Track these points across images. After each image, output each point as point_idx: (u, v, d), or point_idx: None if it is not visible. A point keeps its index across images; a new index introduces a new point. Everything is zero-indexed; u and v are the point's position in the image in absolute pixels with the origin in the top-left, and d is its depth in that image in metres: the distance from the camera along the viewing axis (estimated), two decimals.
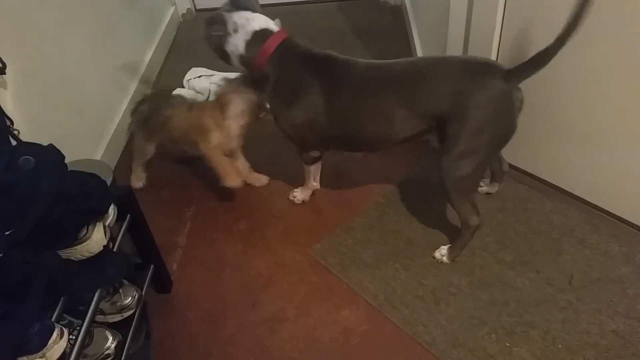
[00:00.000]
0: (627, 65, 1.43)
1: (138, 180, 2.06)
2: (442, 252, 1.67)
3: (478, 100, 1.35)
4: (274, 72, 1.59)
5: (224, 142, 1.82)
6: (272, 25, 1.62)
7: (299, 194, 1.94)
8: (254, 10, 1.64)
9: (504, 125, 1.40)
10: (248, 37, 1.58)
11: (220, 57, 1.70)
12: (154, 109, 1.93)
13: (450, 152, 1.42)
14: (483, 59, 1.44)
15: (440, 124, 1.43)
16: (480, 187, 1.83)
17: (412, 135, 1.51)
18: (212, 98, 2.04)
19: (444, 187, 1.50)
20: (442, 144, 1.45)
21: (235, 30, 1.59)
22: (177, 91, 2.52)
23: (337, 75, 1.53)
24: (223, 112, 1.80)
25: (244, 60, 1.63)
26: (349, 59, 1.56)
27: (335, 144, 1.68)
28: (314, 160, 1.79)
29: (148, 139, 1.96)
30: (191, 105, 1.91)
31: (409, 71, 1.47)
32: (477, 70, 1.39)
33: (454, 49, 1.84)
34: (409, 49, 2.72)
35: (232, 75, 2.49)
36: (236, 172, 1.86)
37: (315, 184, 1.90)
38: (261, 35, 1.58)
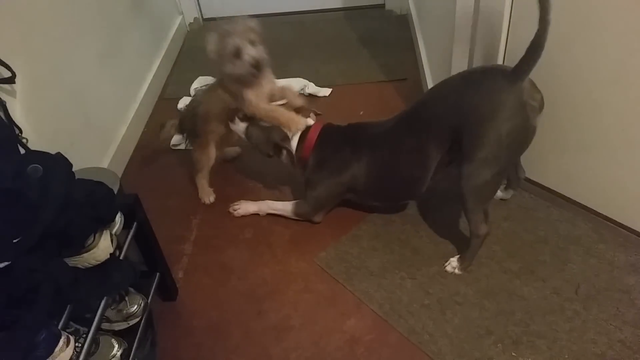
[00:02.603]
0: (636, 74, 1.43)
1: (208, 195, 2.03)
2: (453, 265, 1.66)
3: (488, 107, 1.37)
4: (315, 155, 1.76)
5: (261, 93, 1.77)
6: (309, 121, 1.80)
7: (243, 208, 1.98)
8: None
9: (519, 125, 1.39)
10: (297, 142, 1.78)
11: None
12: (187, 115, 1.95)
13: (472, 159, 1.43)
14: (481, 67, 1.46)
15: (457, 137, 1.46)
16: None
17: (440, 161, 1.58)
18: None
19: (462, 194, 1.50)
20: (461, 152, 1.46)
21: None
22: (184, 100, 2.54)
23: (369, 138, 1.70)
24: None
25: (297, 158, 1.79)
26: (373, 122, 1.74)
27: (373, 197, 1.82)
28: (313, 221, 1.88)
29: (204, 144, 1.93)
30: (210, 86, 1.91)
31: (419, 105, 1.59)
32: (478, 79, 1.41)
33: (460, 58, 1.84)
34: (414, 57, 2.73)
35: None
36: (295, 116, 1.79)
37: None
38: (303, 134, 1.77)
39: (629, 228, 1.69)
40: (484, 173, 1.44)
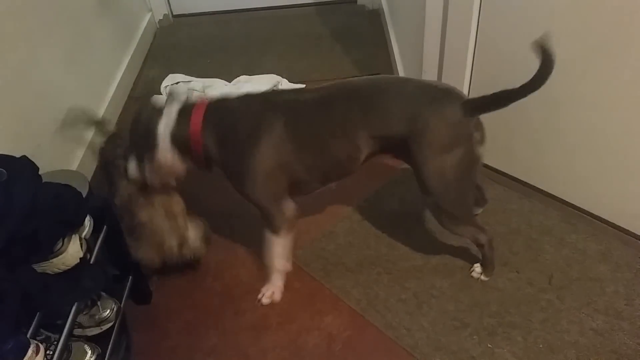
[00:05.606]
0: (600, 67, 1.45)
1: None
2: (477, 271, 1.62)
3: (434, 126, 1.31)
4: (216, 136, 1.39)
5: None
6: (193, 100, 1.45)
7: (275, 288, 1.63)
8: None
9: (463, 156, 1.34)
10: (175, 118, 1.40)
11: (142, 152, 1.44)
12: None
13: (428, 191, 1.39)
14: (444, 85, 1.39)
15: (403, 148, 1.36)
16: None
17: (377, 152, 1.42)
18: None
19: (437, 221, 1.49)
20: (410, 162, 1.40)
21: (160, 115, 1.40)
22: (155, 98, 2.50)
23: (290, 103, 1.40)
24: None
25: (179, 147, 1.41)
26: (295, 87, 1.50)
27: (308, 177, 1.46)
28: (288, 225, 1.52)
29: None
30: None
31: (367, 87, 1.40)
32: (435, 95, 1.34)
33: (431, 52, 1.85)
34: (387, 52, 2.73)
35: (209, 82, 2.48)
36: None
37: (288, 264, 1.63)
38: (185, 111, 1.40)
39: (600, 217, 1.72)
40: (445, 201, 1.41)
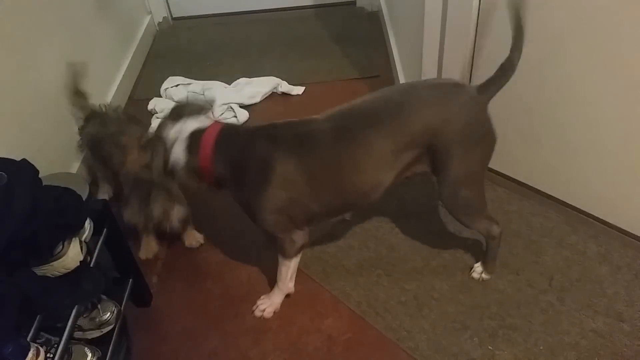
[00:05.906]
0: (601, 67, 1.45)
1: (149, 252, 1.82)
2: (478, 271, 1.62)
3: (463, 120, 1.30)
4: (226, 167, 1.37)
5: None
6: (205, 122, 1.41)
7: (270, 305, 1.61)
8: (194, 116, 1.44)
9: (489, 139, 1.36)
10: (185, 144, 1.37)
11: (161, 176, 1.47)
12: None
13: (447, 180, 1.37)
14: (450, 80, 1.39)
15: (429, 151, 1.34)
16: None
17: (404, 169, 1.38)
18: None
19: (452, 214, 1.48)
20: (436, 171, 1.38)
21: (175, 141, 1.38)
22: (154, 100, 2.50)
23: (301, 138, 1.34)
24: None
25: (190, 171, 1.40)
26: (305, 118, 1.39)
27: (323, 211, 1.42)
28: (299, 250, 1.50)
29: None
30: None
31: (382, 104, 1.34)
32: (451, 90, 1.34)
33: (430, 53, 1.85)
34: (386, 54, 2.74)
35: (209, 84, 2.48)
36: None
37: (291, 284, 1.61)
38: (196, 136, 1.37)
39: (600, 219, 1.72)
40: (464, 191, 1.39)
